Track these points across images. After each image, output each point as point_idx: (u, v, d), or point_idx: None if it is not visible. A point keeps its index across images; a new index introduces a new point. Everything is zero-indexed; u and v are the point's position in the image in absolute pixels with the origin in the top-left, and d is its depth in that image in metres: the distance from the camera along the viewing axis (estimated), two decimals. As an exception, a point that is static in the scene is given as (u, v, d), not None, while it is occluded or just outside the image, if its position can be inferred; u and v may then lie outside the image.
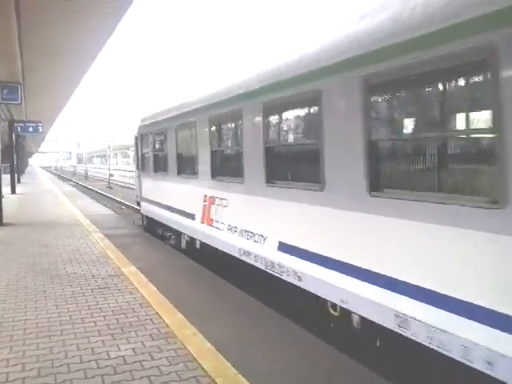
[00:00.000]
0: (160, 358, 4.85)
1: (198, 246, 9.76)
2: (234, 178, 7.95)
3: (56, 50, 14.72)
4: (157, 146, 12.97)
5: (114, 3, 10.78)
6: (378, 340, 5.17)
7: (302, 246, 6.06)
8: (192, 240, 10.13)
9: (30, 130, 30.07)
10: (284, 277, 6.36)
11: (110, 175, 53.83)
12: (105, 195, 34.42)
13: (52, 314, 6.27)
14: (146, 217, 14.58)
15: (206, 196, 9.06)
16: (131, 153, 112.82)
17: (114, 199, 30.60)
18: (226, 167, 8.65)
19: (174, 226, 11.30)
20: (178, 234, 11.21)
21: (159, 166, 12.58)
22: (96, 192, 37.95)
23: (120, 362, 4.75)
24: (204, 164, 9.10)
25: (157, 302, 6.75)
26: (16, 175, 31.31)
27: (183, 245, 10.87)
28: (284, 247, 6.45)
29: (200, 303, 6.78)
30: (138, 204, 16.07)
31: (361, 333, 5.36)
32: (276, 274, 6.57)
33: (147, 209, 14.12)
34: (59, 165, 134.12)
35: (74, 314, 6.26)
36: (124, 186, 46.10)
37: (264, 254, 6.91)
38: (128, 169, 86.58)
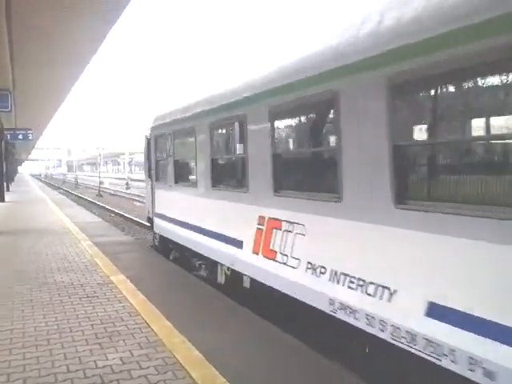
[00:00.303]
0: (148, 367, 4.81)
1: (246, 284, 7.41)
2: (319, 193, 5.54)
3: (47, 58, 14.72)
4: (179, 150, 10.51)
5: (104, 13, 10.84)
6: (367, 347, 5.16)
7: (493, 318, 3.47)
8: (234, 274, 7.75)
9: (20, 137, 30.00)
10: (444, 363, 3.84)
11: (101, 183, 53.62)
12: (95, 203, 34.25)
13: (39, 324, 6.20)
14: (161, 236, 12.04)
15: (262, 218, 6.64)
16: (121, 160, 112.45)
17: (104, 207, 30.45)
18: (303, 177, 6.31)
19: (206, 254, 8.80)
20: (213, 263, 8.75)
21: (183, 175, 10.28)
22: (86, 200, 37.75)
23: (107, 371, 4.71)
24: (259, 173, 6.67)
25: (146, 310, 6.70)
26: (5, 183, 31.07)
27: (221, 279, 8.46)
28: (443, 314, 3.88)
29: (189, 311, 6.74)
30: (149, 220, 13.37)
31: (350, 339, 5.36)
32: (421, 354, 4.07)
33: (163, 227, 11.53)
34: (49, 172, 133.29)
35: (61, 323, 6.20)
36: (114, 194, 45.94)
37: (392, 317, 4.36)
38: (119, 177, 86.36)
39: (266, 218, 6.54)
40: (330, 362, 5.01)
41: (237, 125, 7.64)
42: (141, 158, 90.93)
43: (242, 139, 7.28)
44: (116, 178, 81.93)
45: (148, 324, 6.12)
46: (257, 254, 6.78)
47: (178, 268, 9.84)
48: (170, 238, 11.07)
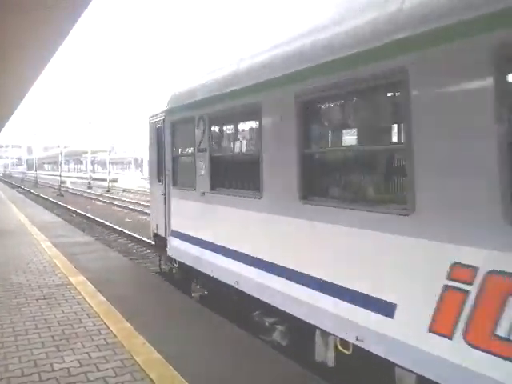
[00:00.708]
0: (106, 369, 4.76)
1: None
2: None
3: (8, 53, 14.31)
4: (222, 141, 7.65)
5: (66, 13, 10.62)
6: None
7: None
8: (358, 351, 4.59)
9: (-24, 134, 28.98)
10: None
11: (62, 182, 52.45)
12: (55, 203, 33.46)
13: (-7, 326, 6.03)
14: (180, 264, 8.78)
15: (465, 270, 3.60)
16: (84, 159, 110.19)
17: (65, 207, 29.80)
18: None
19: (289, 309, 5.47)
20: (300, 324, 5.33)
21: (230, 179, 7.08)
22: (46, 200, 36.82)
23: (64, 374, 4.63)
24: (451, 180, 3.73)
25: (105, 312, 6.61)
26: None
27: (326, 357, 5.15)
28: None
29: (149, 313, 6.69)
30: (156, 238, 10.27)
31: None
32: None
33: (186, 252, 8.25)
34: (8, 171, 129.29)
35: (17, 326, 6.04)
36: (76, 194, 45.04)
37: None
38: (81, 176, 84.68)
39: (482, 272, 3.46)
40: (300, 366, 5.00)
41: (377, 92, 4.67)
42: (103, 156, 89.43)
43: (397, 117, 4.63)
44: (78, 178, 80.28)
45: (107, 326, 6.05)
46: (446, 335, 3.71)
47: (142, 270, 9.74)
48: (200, 270, 7.76)
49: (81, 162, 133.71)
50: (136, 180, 66.29)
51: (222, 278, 6.99)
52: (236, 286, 6.54)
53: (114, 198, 37.50)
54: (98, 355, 5.11)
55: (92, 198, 38.79)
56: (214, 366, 4.94)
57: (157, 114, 9.78)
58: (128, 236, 17.79)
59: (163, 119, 9.31)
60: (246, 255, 6.33)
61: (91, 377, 4.58)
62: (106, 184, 52.40)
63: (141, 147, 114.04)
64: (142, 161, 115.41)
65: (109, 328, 5.96)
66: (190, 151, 8.26)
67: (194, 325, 6.19)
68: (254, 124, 6.55)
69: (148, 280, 8.78)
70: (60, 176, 55.65)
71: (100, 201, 36.03)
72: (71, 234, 14.45)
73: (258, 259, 6.07)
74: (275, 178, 5.78)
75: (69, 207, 29.11)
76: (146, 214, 25.87)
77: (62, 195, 41.90)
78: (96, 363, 4.90)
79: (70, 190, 50.03)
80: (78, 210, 26.94)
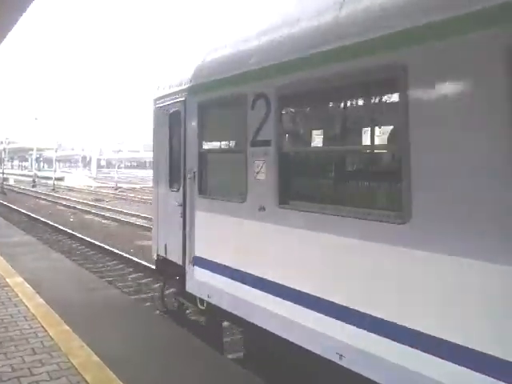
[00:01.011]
0: (41, 373, 4.62)
1: None
2: None
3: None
4: (314, 130, 5.20)
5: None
6: None
7: None
8: None
9: None
10: None
11: (5, 180, 50.44)
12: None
13: None
14: (210, 306, 6.16)
15: None
16: (29, 157, 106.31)
17: (6, 205, 28.67)
18: None
19: None
20: None
21: (331, 189, 4.86)
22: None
23: (-6, 379, 4.47)
24: None
25: (43, 314, 6.41)
26: None
27: None
28: None
29: (90, 315, 6.53)
30: (161, 263, 7.70)
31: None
32: None
33: (230, 295, 5.60)
34: None
35: None
36: (20, 192, 43.47)
37: None
38: (25, 173, 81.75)
39: None
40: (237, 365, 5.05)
41: None
42: (50, 154, 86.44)
43: None
44: (22, 175, 77.40)
45: (45, 328, 5.87)
46: None
47: (80, 269, 9.49)
48: (260, 325, 5.07)
49: (26, 159, 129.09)
50: (83, 179, 64.63)
51: (308, 346, 4.47)
52: (339, 363, 4.12)
53: (59, 197, 36.42)
54: (32, 359, 4.95)
55: (36, 197, 37.52)
56: (152, 369, 4.89)
57: (169, 95, 7.28)
58: (72, 236, 17.32)
59: (183, 101, 6.81)
60: (371, 318, 3.88)
61: (24, 381, 4.44)
62: (51, 182, 50.78)
63: (89, 145, 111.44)
64: (90, 159, 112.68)
65: (46, 331, 5.79)
66: (234, 145, 6.15)
67: (139, 328, 6.10)
68: (383, 100, 4.37)
69: (88, 281, 8.57)
70: (3, 174, 53.49)
71: (44, 200, 34.91)
72: (11, 234, 13.91)
73: (403, 328, 3.61)
74: (446, 193, 3.36)
75: (11, 206, 28.05)
76: (91, 213, 25.30)
77: (5, 194, 40.33)
78: (30, 367, 4.75)
79: (14, 189, 48.20)
80: (20, 209, 25.99)
